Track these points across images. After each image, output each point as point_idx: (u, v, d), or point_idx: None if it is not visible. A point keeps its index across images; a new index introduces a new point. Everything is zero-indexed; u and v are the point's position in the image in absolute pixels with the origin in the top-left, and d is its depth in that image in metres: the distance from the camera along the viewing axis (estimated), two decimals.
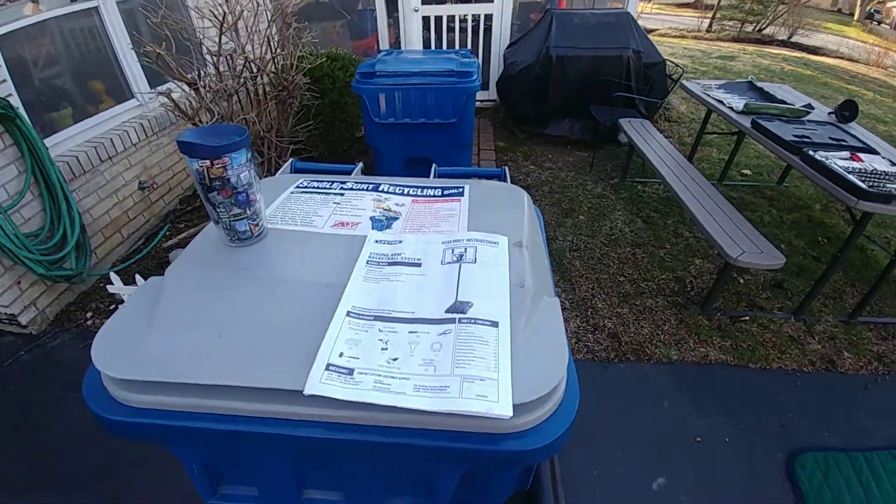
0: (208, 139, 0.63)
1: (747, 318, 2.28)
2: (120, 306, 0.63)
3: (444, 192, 0.94)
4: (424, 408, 0.49)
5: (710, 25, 14.19)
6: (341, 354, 0.55)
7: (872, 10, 24.39)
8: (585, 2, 5.94)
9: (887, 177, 1.88)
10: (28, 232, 2.13)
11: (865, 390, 1.98)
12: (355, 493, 0.62)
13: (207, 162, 0.63)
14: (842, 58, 11.10)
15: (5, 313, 2.16)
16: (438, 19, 4.51)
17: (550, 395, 0.53)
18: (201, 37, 2.23)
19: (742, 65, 7.63)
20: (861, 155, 2.06)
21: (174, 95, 2.30)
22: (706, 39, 12.32)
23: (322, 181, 0.96)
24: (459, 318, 0.59)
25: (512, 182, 1.05)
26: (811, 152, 2.00)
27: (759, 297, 2.43)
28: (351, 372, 0.53)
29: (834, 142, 2.19)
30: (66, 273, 2.26)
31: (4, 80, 2.09)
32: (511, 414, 0.49)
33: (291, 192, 0.91)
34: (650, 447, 1.72)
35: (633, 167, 3.60)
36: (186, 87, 2.22)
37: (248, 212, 0.71)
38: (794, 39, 12.96)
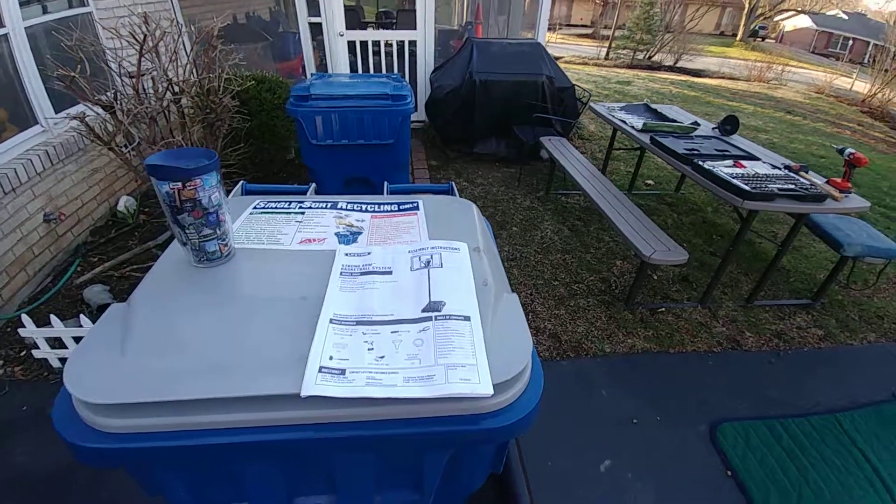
0: (177, 161, 0.64)
1: (663, 309, 2.57)
2: (86, 334, 0.61)
3: (401, 207, 1.01)
4: (417, 396, 0.55)
5: (608, 54, 15.81)
6: (331, 358, 0.59)
7: (758, 27, 28.57)
8: (499, 31, 6.39)
9: (768, 178, 2.25)
10: None
11: (770, 364, 2.30)
12: (347, 494, 0.65)
13: (179, 184, 0.64)
14: (724, 77, 12.73)
15: None
16: (364, 44, 4.61)
17: (521, 375, 0.61)
18: (118, 58, 2.11)
19: (637, 89, 8.56)
20: (744, 162, 2.44)
21: (87, 119, 2.14)
22: (605, 66, 13.63)
23: (280, 201, 0.98)
24: (435, 316, 0.66)
25: None
26: (700, 162, 2.33)
27: (670, 291, 2.74)
28: (343, 372, 0.57)
29: (719, 152, 2.57)
30: None
31: None
32: (492, 392, 0.56)
33: (251, 213, 0.92)
34: (595, 433, 1.87)
35: (556, 181, 3.90)
36: (101, 111, 2.08)
37: (217, 232, 0.72)
38: (679, 64, 14.72)
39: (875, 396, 2.13)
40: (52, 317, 1.89)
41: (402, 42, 4.67)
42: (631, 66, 14.10)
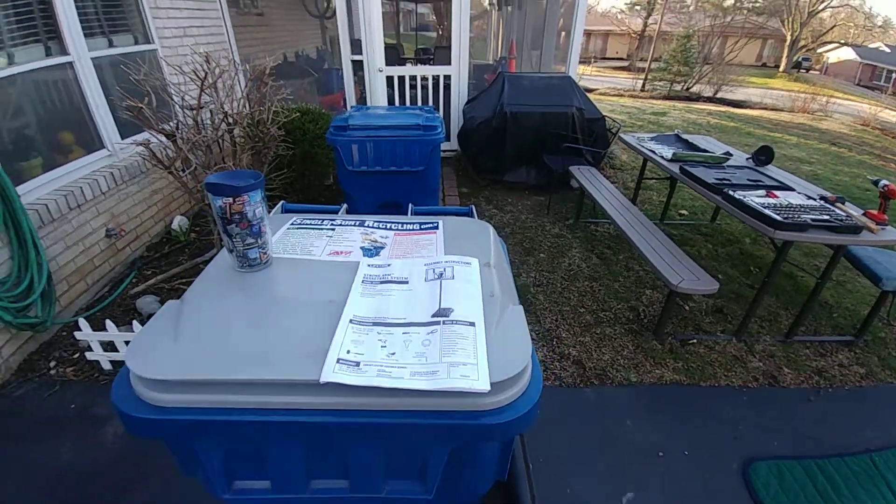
0: (230, 180, 0.75)
1: (695, 340, 2.50)
2: (145, 324, 0.71)
3: (422, 226, 1.09)
4: (420, 387, 0.61)
5: (644, 85, 15.80)
6: (348, 352, 0.66)
7: (801, 59, 27.96)
8: (532, 66, 6.59)
9: (802, 209, 2.20)
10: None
11: (808, 402, 2.19)
12: (358, 480, 0.70)
13: (230, 199, 0.75)
14: (766, 108, 12.41)
15: None
16: (401, 78, 4.87)
17: (519, 377, 0.66)
18: (181, 92, 2.37)
19: (673, 119, 8.50)
20: (777, 192, 2.40)
21: (151, 146, 2.39)
22: (641, 98, 13.62)
23: (314, 219, 1.09)
24: (443, 321, 0.72)
25: None
26: (731, 192, 2.32)
27: (703, 322, 2.67)
28: (358, 364, 0.64)
29: (751, 182, 2.54)
30: (31, 321, 2.20)
31: None
32: (488, 388, 0.61)
33: (288, 228, 1.03)
34: (617, 463, 1.83)
35: (586, 209, 3.92)
36: (164, 139, 2.32)
37: (259, 241, 0.82)
38: (719, 95, 14.49)
39: None
40: (108, 321, 2.07)
41: (438, 76, 4.91)
42: (668, 98, 14.04)
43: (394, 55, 6.58)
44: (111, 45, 3.07)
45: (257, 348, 0.67)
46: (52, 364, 2.27)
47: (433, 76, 4.91)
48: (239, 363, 0.63)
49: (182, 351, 0.65)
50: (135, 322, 2.14)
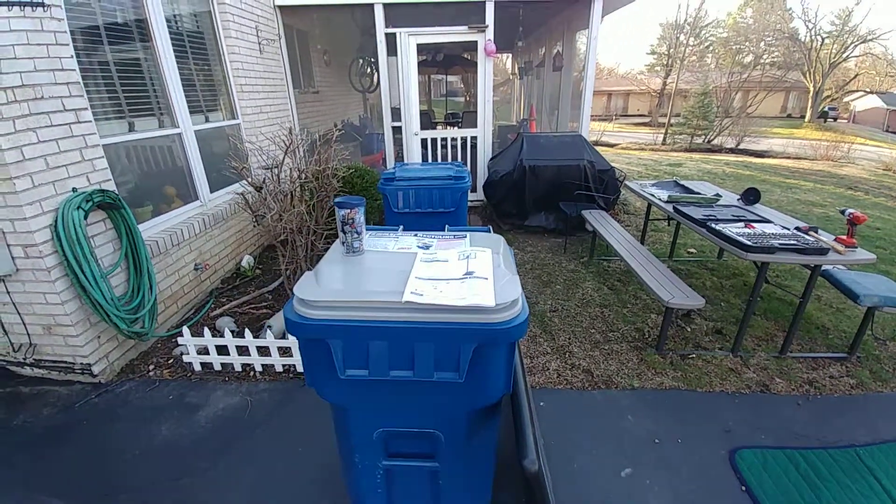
0: (349, 200, 1.31)
1: (693, 355, 2.82)
2: (302, 277, 1.23)
3: (455, 236, 1.60)
4: (457, 304, 1.08)
5: (664, 139, 16.46)
6: (414, 291, 1.15)
7: (827, 109, 28.20)
8: (550, 126, 7.32)
9: (774, 236, 2.60)
10: (116, 295, 2.69)
11: (798, 406, 2.45)
12: (419, 369, 1.15)
13: (348, 210, 1.30)
14: (788, 157, 12.67)
15: (81, 363, 2.62)
16: (434, 140, 5.63)
17: (513, 304, 1.12)
18: (264, 155, 3.07)
19: (688, 170, 8.96)
20: (755, 224, 2.81)
21: (244, 194, 3.06)
22: (661, 151, 14.15)
23: (382, 231, 1.63)
24: (469, 276, 1.21)
25: None
26: (713, 225, 2.74)
27: (703, 341, 2.99)
28: (421, 295, 1.12)
29: (734, 217, 2.96)
30: (138, 331, 2.77)
31: (109, 179, 2.76)
32: (494, 304, 1.08)
33: (369, 237, 1.57)
34: (618, 447, 2.15)
35: (599, 248, 4.36)
36: (253, 190, 2.99)
37: (360, 238, 1.35)
38: (741, 146, 14.85)
39: None
40: (206, 329, 2.63)
41: (465, 137, 5.65)
42: (689, 150, 14.52)
43: (426, 120, 7.46)
44: (207, 120, 3.90)
45: (364, 288, 1.17)
46: (151, 367, 2.82)
47: (461, 137, 5.65)
48: (350, 295, 1.14)
49: (321, 289, 1.17)
50: (226, 330, 2.68)
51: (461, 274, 1.23)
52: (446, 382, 1.16)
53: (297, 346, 2.61)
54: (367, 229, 1.70)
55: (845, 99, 29.92)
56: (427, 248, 1.46)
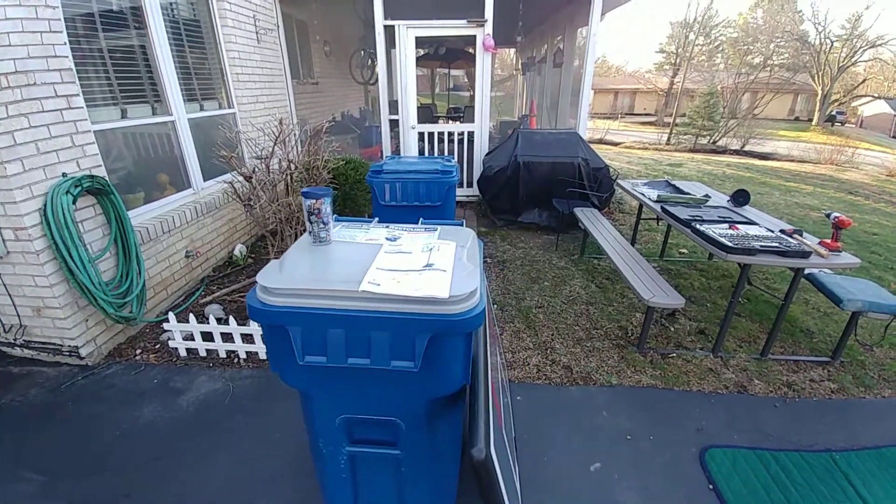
0: (315, 191, 1.32)
1: (674, 354, 2.84)
2: (266, 266, 1.25)
3: (426, 229, 1.62)
4: (411, 295, 1.11)
5: (668, 139, 16.35)
6: (371, 280, 1.17)
7: (835, 113, 27.90)
8: (550, 123, 7.30)
9: (756, 238, 2.60)
10: (104, 280, 2.73)
11: (774, 408, 2.47)
12: (376, 357, 1.17)
13: (314, 200, 1.32)
14: (791, 160, 12.57)
15: (69, 346, 2.67)
16: (431, 134, 5.63)
17: (470, 296, 1.14)
18: (255, 145, 3.09)
19: (688, 170, 8.92)
20: (739, 226, 2.81)
21: (233, 183, 3.09)
22: (665, 150, 14.06)
23: (354, 222, 1.65)
24: (429, 268, 1.23)
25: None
26: (697, 225, 2.75)
27: (685, 341, 3.00)
28: (378, 284, 1.15)
29: (720, 219, 2.96)
30: (126, 316, 2.81)
31: (100, 165, 2.77)
32: (447, 296, 1.10)
33: (339, 227, 1.59)
34: (591, 442, 2.18)
35: (591, 247, 4.37)
36: (243, 179, 3.01)
37: (326, 228, 1.38)
38: (746, 148, 14.70)
39: (880, 442, 2.21)
40: (191, 315, 2.67)
41: (463, 132, 5.65)
42: (693, 151, 14.42)
43: (428, 113, 7.46)
44: (202, 108, 3.92)
45: (321, 277, 1.20)
46: (138, 352, 2.87)
47: (458, 132, 5.65)
48: (311, 283, 1.16)
49: (283, 277, 1.19)
50: (211, 317, 2.72)
51: (421, 266, 1.26)
52: (403, 371, 1.19)
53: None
54: (340, 220, 1.72)
55: (853, 103, 29.58)
56: (395, 239, 1.48)
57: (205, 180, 3.86)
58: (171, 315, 2.72)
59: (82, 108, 2.60)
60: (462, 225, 1.75)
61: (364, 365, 1.19)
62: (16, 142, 2.24)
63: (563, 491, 1.93)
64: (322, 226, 1.37)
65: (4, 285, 2.52)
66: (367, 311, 1.14)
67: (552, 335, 3.04)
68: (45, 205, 2.38)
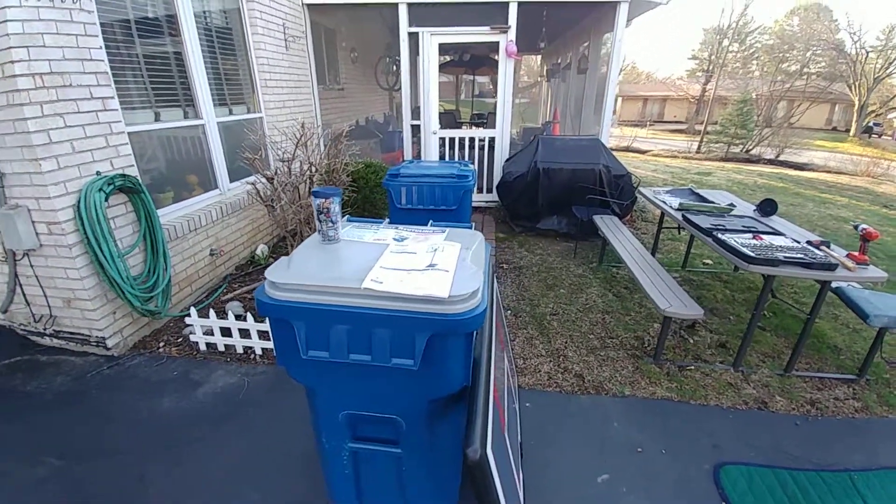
0: (324, 190, 1.36)
1: (692, 367, 2.76)
2: (274, 263, 1.29)
3: (434, 231, 1.64)
4: (412, 293, 1.12)
5: (699, 147, 15.91)
6: (374, 278, 1.19)
7: (871, 124, 26.66)
8: (574, 130, 7.23)
9: (780, 249, 2.51)
10: (132, 274, 2.85)
11: (795, 426, 2.37)
12: (377, 354, 1.19)
13: (324, 199, 1.36)
14: (827, 171, 12.08)
15: (97, 336, 2.79)
16: (452, 139, 5.67)
17: (471, 297, 1.15)
18: (281, 149, 3.19)
19: (717, 179, 8.67)
20: (764, 236, 2.72)
21: (257, 185, 3.18)
22: (695, 159, 13.70)
23: (365, 222, 1.68)
24: (432, 268, 1.24)
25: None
26: (719, 234, 2.67)
27: (704, 353, 2.91)
28: (381, 283, 1.17)
29: (745, 228, 2.87)
30: (152, 310, 2.93)
31: (132, 165, 2.90)
32: (447, 296, 1.11)
33: (350, 227, 1.62)
34: (600, 453, 2.14)
35: (610, 255, 4.29)
36: (265, 181, 3.11)
37: (335, 226, 1.41)
38: (781, 158, 14.19)
39: None
40: (211, 311, 2.76)
41: (484, 138, 5.67)
42: (725, 160, 14.02)
43: (451, 119, 7.51)
44: (231, 112, 4.06)
45: (329, 274, 1.23)
46: (161, 344, 2.97)
47: (479, 138, 5.67)
48: (318, 278, 1.19)
49: (290, 272, 1.23)
50: (230, 314, 2.81)
51: (424, 266, 1.27)
52: (403, 369, 1.20)
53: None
54: (352, 221, 1.76)
55: (889, 115, 28.14)
56: (402, 240, 1.50)
57: (231, 182, 3.99)
58: (192, 310, 2.82)
59: (117, 110, 2.74)
60: (472, 228, 1.76)
61: (365, 361, 1.21)
62: (51, 140, 2.37)
63: (567, 500, 1.90)
64: (330, 224, 1.41)
65: (37, 277, 2.66)
66: (369, 308, 1.16)
67: (565, 343, 3.00)
68: (78, 201, 2.51)
